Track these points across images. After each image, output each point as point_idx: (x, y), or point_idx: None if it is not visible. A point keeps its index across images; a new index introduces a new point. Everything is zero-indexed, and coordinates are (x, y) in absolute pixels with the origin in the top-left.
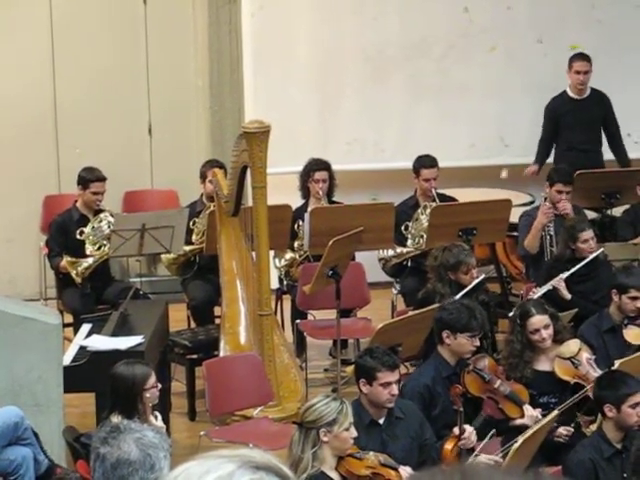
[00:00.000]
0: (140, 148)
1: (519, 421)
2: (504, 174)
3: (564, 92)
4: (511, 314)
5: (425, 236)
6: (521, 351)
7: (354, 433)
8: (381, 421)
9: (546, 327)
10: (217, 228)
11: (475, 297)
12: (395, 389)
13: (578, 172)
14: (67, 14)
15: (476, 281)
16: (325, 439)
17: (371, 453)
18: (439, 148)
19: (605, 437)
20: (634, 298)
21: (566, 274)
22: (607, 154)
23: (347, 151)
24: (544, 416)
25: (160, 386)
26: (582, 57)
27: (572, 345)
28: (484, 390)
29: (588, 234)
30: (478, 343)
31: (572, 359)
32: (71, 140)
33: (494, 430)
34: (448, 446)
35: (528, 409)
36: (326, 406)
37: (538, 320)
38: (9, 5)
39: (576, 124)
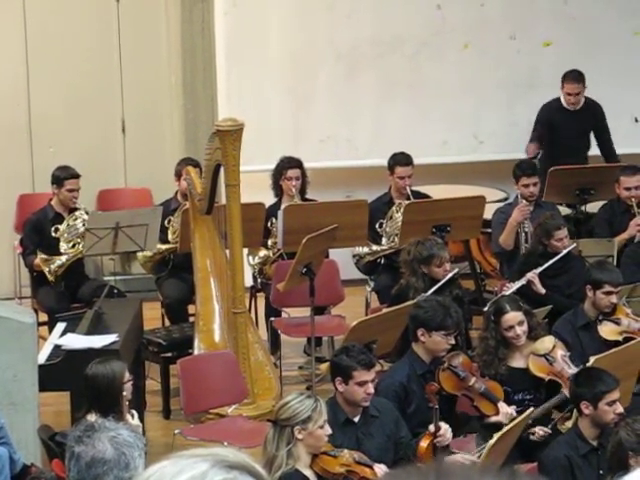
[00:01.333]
0: (113, 147)
1: (494, 418)
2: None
3: (558, 100)
4: (485, 310)
5: (399, 233)
6: (495, 348)
7: (328, 430)
8: (356, 419)
9: (520, 324)
10: (191, 226)
11: (449, 292)
12: (371, 388)
13: (552, 168)
14: (40, 12)
15: (450, 275)
16: (299, 436)
17: (345, 451)
18: (412, 145)
19: (581, 434)
20: (608, 293)
21: (540, 269)
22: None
23: (320, 149)
24: (519, 413)
25: (133, 380)
26: (573, 78)
27: (546, 342)
28: (459, 388)
29: (563, 233)
30: (453, 341)
31: (546, 356)
32: (44, 139)
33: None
34: (423, 444)
35: (503, 406)
36: (300, 403)
37: (512, 317)
38: None
39: (567, 132)
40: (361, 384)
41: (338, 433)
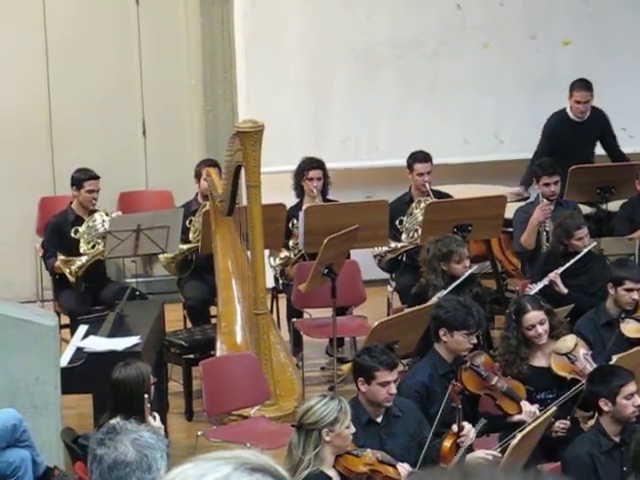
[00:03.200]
0: (134, 149)
1: (517, 417)
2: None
3: (564, 111)
4: (507, 310)
5: (420, 230)
6: (517, 347)
7: (353, 429)
8: (379, 420)
9: (542, 323)
10: (212, 227)
11: (469, 290)
12: (393, 388)
13: (573, 167)
14: (60, 15)
15: (469, 271)
16: (327, 439)
17: (368, 450)
18: (433, 145)
19: (603, 431)
20: (629, 290)
21: (561, 269)
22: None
23: (341, 149)
24: (541, 412)
25: (155, 382)
26: (582, 86)
27: (568, 340)
28: (481, 387)
29: (583, 232)
30: (475, 340)
31: (568, 355)
32: (65, 142)
33: (484, 420)
34: (447, 443)
35: (525, 405)
36: (326, 406)
37: (533, 316)
38: (1, 9)
39: (574, 143)
40: (383, 384)
41: (361, 433)
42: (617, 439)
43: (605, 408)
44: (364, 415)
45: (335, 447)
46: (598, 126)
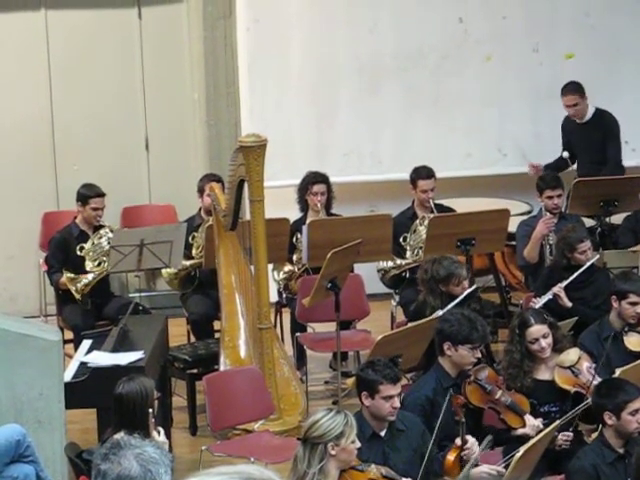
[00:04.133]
0: (137, 163)
1: (521, 431)
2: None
3: None
4: (511, 324)
5: (423, 247)
6: (521, 361)
7: (358, 444)
8: (382, 433)
9: (545, 336)
10: (215, 242)
11: (467, 306)
12: (397, 402)
13: (576, 180)
14: (62, 30)
15: (467, 291)
16: (333, 453)
17: (373, 465)
18: (436, 158)
19: (607, 443)
20: (634, 303)
21: (565, 282)
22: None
23: (344, 163)
24: (545, 425)
25: (159, 397)
26: (569, 90)
27: (572, 354)
28: (485, 401)
29: (586, 245)
30: (479, 355)
31: (572, 368)
32: (69, 157)
33: (490, 436)
34: (450, 457)
35: (529, 419)
36: (332, 420)
37: (537, 330)
38: (4, 24)
39: (580, 145)
40: (387, 398)
41: (365, 447)
42: (621, 450)
43: (609, 422)
44: (368, 429)
45: (340, 461)
46: (599, 129)
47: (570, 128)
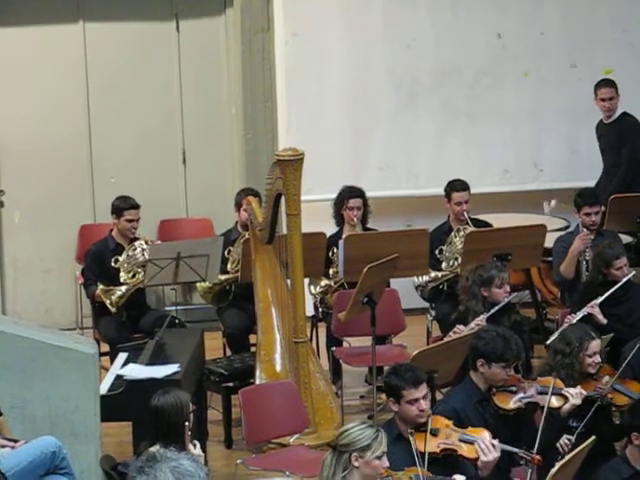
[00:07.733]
0: (174, 177)
1: (567, 406)
2: (552, 203)
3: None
4: (548, 341)
5: (460, 258)
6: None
7: (386, 463)
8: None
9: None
10: (252, 256)
11: (508, 317)
12: (423, 404)
13: (612, 196)
14: (100, 44)
15: (508, 298)
16: (356, 464)
17: (401, 473)
18: (472, 174)
19: (626, 458)
20: None
21: (600, 299)
22: None
23: (380, 178)
24: (573, 443)
25: (195, 410)
26: (605, 83)
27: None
28: (516, 400)
29: (622, 261)
30: (512, 372)
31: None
32: (106, 170)
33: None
34: None
35: (569, 391)
36: (361, 431)
37: (597, 344)
38: (42, 36)
39: (605, 148)
40: (412, 402)
41: (391, 448)
42: (639, 467)
43: (636, 442)
44: (394, 430)
45: (363, 475)
46: (620, 131)
47: (599, 131)
